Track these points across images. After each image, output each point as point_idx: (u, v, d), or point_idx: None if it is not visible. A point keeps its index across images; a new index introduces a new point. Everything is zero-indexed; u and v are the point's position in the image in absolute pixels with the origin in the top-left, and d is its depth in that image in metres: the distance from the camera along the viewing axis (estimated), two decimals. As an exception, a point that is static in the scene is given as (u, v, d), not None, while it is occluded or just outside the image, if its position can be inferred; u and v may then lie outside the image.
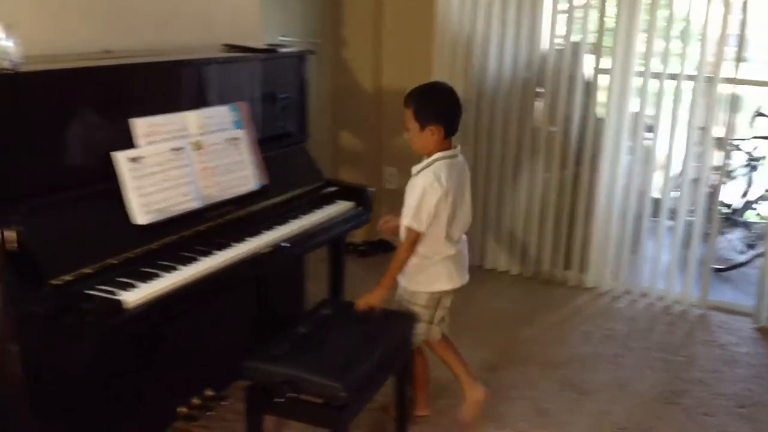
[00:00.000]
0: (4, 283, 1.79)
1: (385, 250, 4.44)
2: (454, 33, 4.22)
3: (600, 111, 4.07)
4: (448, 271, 2.64)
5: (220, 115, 2.67)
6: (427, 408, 2.87)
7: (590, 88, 4.07)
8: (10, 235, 1.97)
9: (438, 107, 2.57)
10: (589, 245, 4.18)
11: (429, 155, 2.57)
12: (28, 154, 2.07)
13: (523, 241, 4.36)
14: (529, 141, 4.20)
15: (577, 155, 4.14)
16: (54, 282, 1.97)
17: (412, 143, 2.60)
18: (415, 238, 2.55)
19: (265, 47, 3.13)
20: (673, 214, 4.12)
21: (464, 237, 2.71)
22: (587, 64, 4.06)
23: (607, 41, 3.97)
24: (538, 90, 4.16)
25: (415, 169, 2.62)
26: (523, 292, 4.19)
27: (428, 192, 2.50)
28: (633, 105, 3.97)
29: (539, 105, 4.18)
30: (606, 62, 3.98)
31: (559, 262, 4.30)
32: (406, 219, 2.54)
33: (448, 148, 2.58)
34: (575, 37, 4.03)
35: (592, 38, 4.03)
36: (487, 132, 4.28)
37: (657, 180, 4.11)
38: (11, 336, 1.81)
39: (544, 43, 4.09)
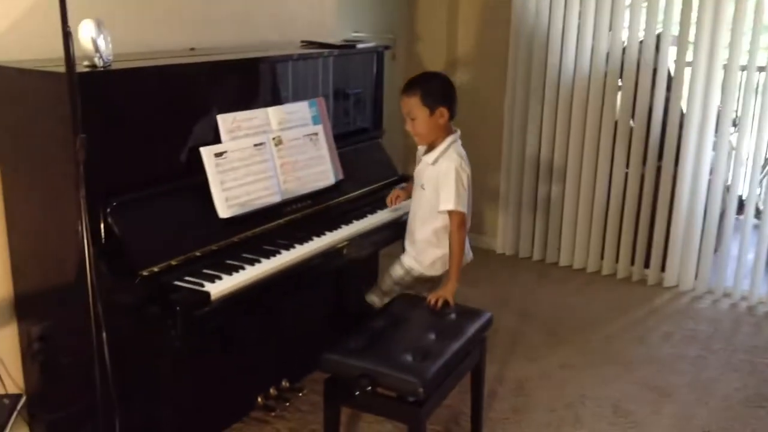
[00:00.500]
0: (96, 274, 1.86)
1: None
2: (530, 27, 4.16)
3: (683, 105, 3.95)
4: (467, 246, 2.71)
5: (299, 110, 2.71)
6: None
7: (673, 81, 3.95)
8: (102, 228, 2.05)
9: (442, 89, 2.60)
10: (670, 243, 4.06)
11: (435, 141, 2.60)
12: (118, 150, 2.15)
13: (601, 238, 4.27)
14: (608, 135, 4.11)
15: (659, 150, 4.03)
16: (143, 273, 2.04)
17: (420, 132, 2.61)
18: (462, 219, 2.58)
19: (342, 43, 3.15)
20: (758, 212, 3.96)
21: None
22: (670, 57, 3.95)
23: (692, 33, 3.84)
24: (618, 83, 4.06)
25: (429, 157, 2.61)
26: (600, 290, 4.10)
27: (460, 173, 2.54)
28: (717, 99, 3.83)
29: (619, 98, 4.09)
30: (690, 55, 3.85)
31: (639, 259, 4.19)
32: (450, 204, 2.54)
33: (452, 131, 2.62)
34: (657, 29, 3.91)
35: (675, 30, 3.90)
36: (566, 127, 4.21)
37: (742, 177, 3.97)
38: (102, 325, 1.87)
39: (625, 36, 3.99)
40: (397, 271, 2.77)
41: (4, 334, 2.35)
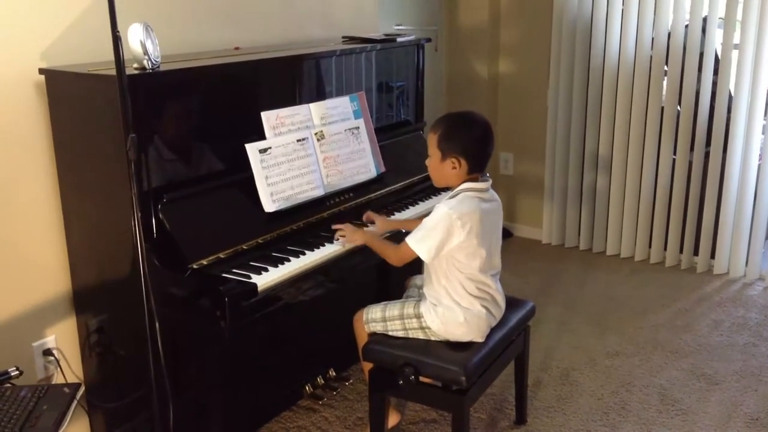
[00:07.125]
0: (148, 267, 1.94)
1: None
2: (573, 13, 4.13)
3: (731, 88, 3.88)
4: (490, 310, 2.37)
5: (341, 105, 2.76)
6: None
7: (720, 64, 3.88)
8: (154, 223, 2.13)
9: (465, 140, 2.27)
10: (719, 230, 4.00)
11: (450, 186, 2.35)
12: (168, 148, 2.23)
13: (649, 226, 4.23)
14: (654, 122, 4.06)
15: (706, 135, 3.97)
16: (193, 266, 2.11)
17: (430, 173, 2.38)
18: (406, 255, 2.30)
19: (383, 37, 3.19)
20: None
21: (495, 295, 2.39)
22: (717, 40, 3.88)
23: (738, 14, 3.76)
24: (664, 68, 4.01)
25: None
26: (648, 278, 4.06)
27: (445, 222, 2.21)
28: (767, 81, 3.75)
29: (665, 84, 4.03)
30: (737, 36, 3.78)
31: (687, 247, 4.14)
32: (411, 239, 2.27)
33: (470, 179, 2.30)
34: (704, 12, 3.85)
35: (721, 12, 3.83)
36: (611, 114, 4.17)
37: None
38: (155, 316, 1.95)
39: (670, 20, 3.93)
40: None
41: (64, 326, 2.46)
